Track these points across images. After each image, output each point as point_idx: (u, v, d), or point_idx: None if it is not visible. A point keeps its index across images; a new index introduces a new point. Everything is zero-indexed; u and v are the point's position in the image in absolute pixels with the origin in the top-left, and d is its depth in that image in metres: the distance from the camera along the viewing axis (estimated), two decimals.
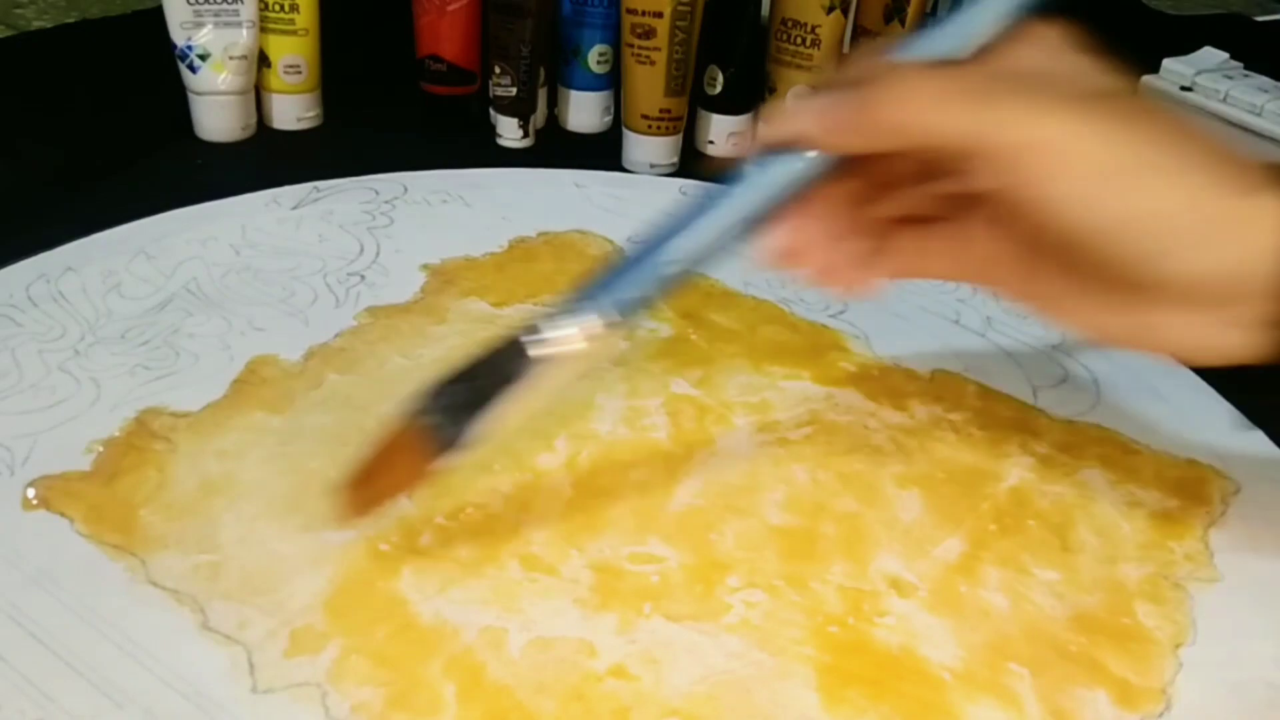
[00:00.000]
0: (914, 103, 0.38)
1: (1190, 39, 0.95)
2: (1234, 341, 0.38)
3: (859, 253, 0.44)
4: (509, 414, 0.41)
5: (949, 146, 0.39)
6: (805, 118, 0.40)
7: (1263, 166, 0.37)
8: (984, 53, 0.40)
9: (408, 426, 0.41)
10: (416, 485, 0.43)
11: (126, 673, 0.39)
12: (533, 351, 0.40)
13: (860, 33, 0.85)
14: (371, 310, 0.60)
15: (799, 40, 0.79)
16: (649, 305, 0.41)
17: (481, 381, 0.41)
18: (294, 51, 0.81)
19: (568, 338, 0.40)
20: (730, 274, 0.66)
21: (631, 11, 0.77)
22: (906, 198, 0.44)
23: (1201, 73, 0.89)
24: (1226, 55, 0.92)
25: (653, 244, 0.41)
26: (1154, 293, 0.37)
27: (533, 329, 0.40)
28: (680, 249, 0.41)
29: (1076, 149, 0.36)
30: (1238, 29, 1.17)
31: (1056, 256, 0.39)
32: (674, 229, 0.41)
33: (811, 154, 0.40)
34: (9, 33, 0.96)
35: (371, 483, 0.43)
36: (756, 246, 0.42)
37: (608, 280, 0.41)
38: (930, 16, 0.80)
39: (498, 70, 0.80)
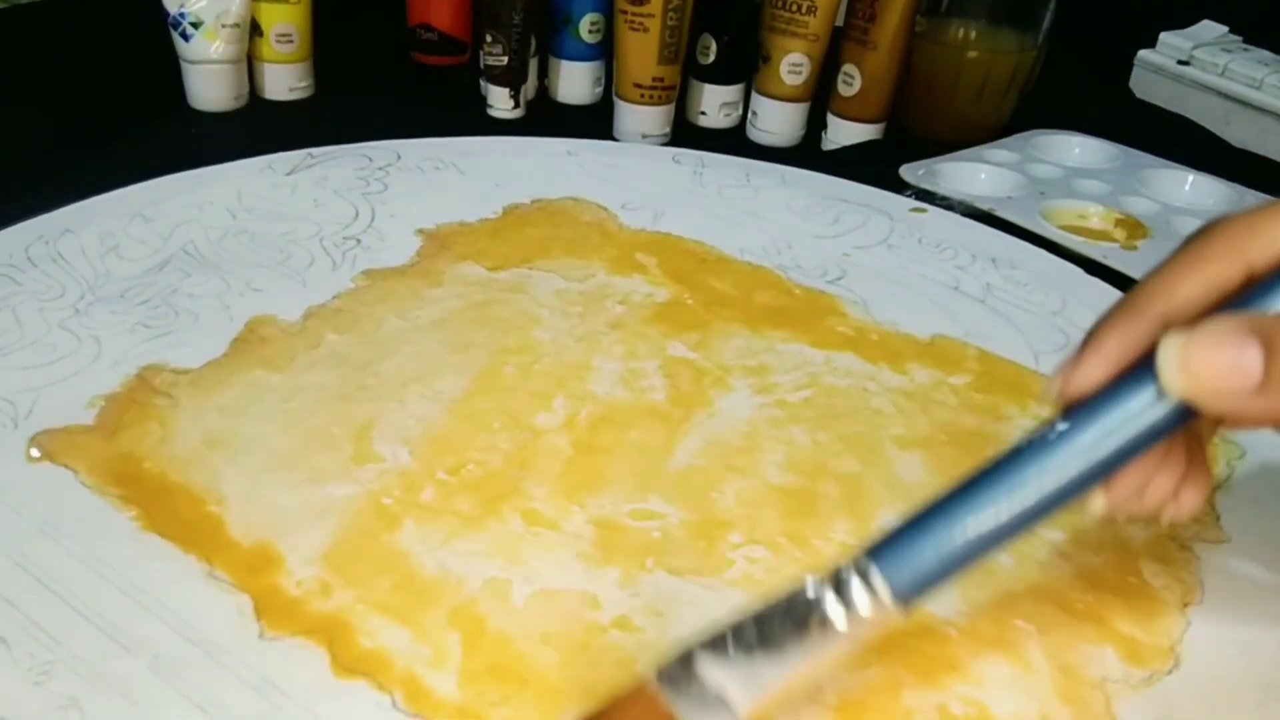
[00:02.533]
0: None
1: (1189, 12, 0.94)
2: None
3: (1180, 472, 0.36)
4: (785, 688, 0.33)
5: None
6: (1217, 374, 0.31)
7: None
8: None
9: (652, 693, 0.33)
10: None
11: (134, 619, 0.39)
12: (828, 618, 0.33)
13: (857, 1, 0.84)
14: (368, 273, 0.60)
15: (795, 7, 0.79)
16: (940, 585, 0.33)
17: (756, 646, 0.33)
18: (286, 20, 0.81)
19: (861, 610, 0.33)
20: (724, 240, 0.66)
21: None
22: None
23: (1199, 46, 0.89)
24: (1226, 29, 0.92)
25: (953, 507, 0.33)
26: None
27: (828, 588, 0.33)
28: (990, 520, 0.33)
29: None
30: (1236, 2, 1.17)
31: None
32: (981, 490, 0.33)
33: (1172, 401, 0.32)
34: (5, 4, 0.96)
35: None
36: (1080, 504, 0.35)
37: (901, 540, 0.33)
38: None
39: (489, 39, 0.80)
